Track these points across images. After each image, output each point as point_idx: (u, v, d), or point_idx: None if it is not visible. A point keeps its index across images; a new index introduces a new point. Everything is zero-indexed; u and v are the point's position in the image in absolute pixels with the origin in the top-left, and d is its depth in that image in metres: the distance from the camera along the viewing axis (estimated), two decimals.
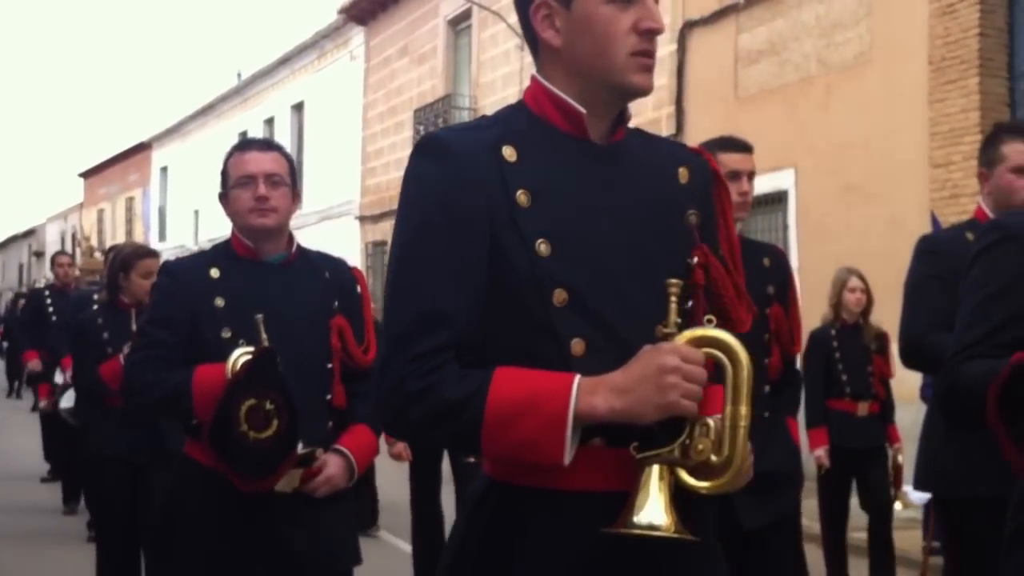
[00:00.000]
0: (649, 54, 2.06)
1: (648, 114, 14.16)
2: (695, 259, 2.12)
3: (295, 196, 3.64)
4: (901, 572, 7.47)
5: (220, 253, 3.65)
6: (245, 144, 3.67)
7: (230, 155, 3.61)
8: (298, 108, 28.30)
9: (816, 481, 7.27)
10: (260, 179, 3.51)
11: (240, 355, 3.39)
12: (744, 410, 1.97)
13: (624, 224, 2.09)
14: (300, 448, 3.39)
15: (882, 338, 7.30)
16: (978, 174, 4.18)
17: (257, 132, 30.65)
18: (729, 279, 2.17)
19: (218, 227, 32.43)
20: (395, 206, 2.13)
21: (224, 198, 3.63)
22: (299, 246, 3.70)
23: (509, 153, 2.05)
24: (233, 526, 3.42)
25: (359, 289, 3.75)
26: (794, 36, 12.63)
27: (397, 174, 20.32)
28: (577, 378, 1.94)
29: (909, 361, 4.39)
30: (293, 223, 3.73)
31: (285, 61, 28.82)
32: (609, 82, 2.06)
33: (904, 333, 4.20)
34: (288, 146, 28.22)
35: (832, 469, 7.14)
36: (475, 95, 19.79)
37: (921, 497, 6.59)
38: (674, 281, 2.00)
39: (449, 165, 2.03)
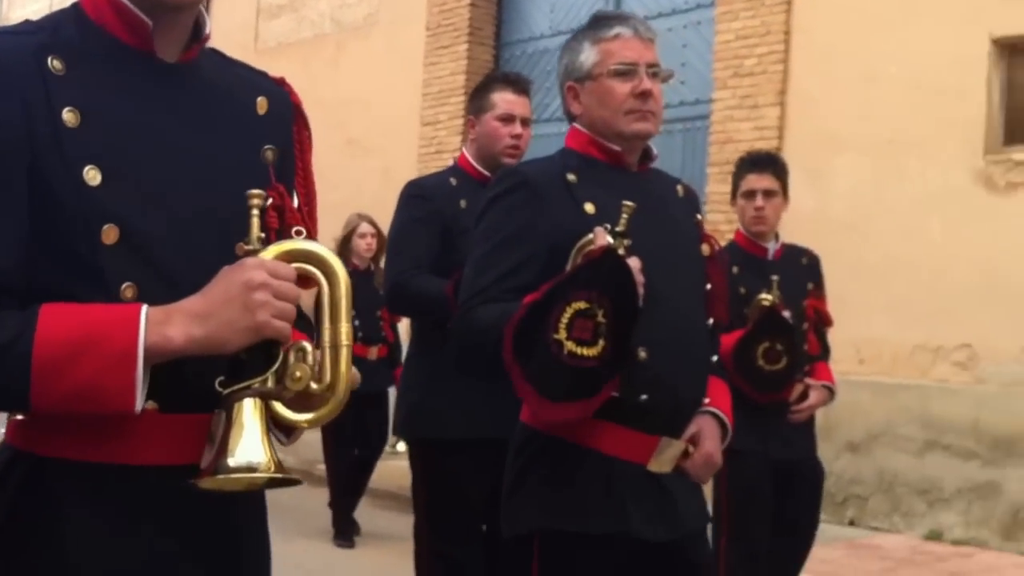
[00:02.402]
0: None
1: None
2: (270, 200, 1.70)
3: None
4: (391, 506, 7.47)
5: None
6: None
7: None
8: None
9: None
10: None
11: None
12: (345, 327, 1.62)
13: (190, 154, 1.67)
14: None
15: None
16: (466, 121, 4.05)
17: None
18: (305, 226, 1.77)
19: None
20: None
21: None
22: None
23: (57, 65, 1.58)
24: None
25: None
26: None
27: None
28: (145, 307, 1.53)
29: (394, 305, 4.18)
30: None
31: None
32: None
33: (390, 277, 3.96)
34: None
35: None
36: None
37: None
38: (256, 192, 1.61)
39: None
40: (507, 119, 3.88)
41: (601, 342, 2.34)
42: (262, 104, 1.80)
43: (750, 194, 4.35)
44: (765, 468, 4.27)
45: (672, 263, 2.61)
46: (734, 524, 4.23)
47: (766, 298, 4.18)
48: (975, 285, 7.15)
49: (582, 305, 2.33)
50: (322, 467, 7.69)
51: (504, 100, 3.89)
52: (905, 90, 7.52)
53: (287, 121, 1.85)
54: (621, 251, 2.41)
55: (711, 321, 2.76)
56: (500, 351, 2.35)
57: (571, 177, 2.60)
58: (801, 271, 4.46)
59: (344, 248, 7.08)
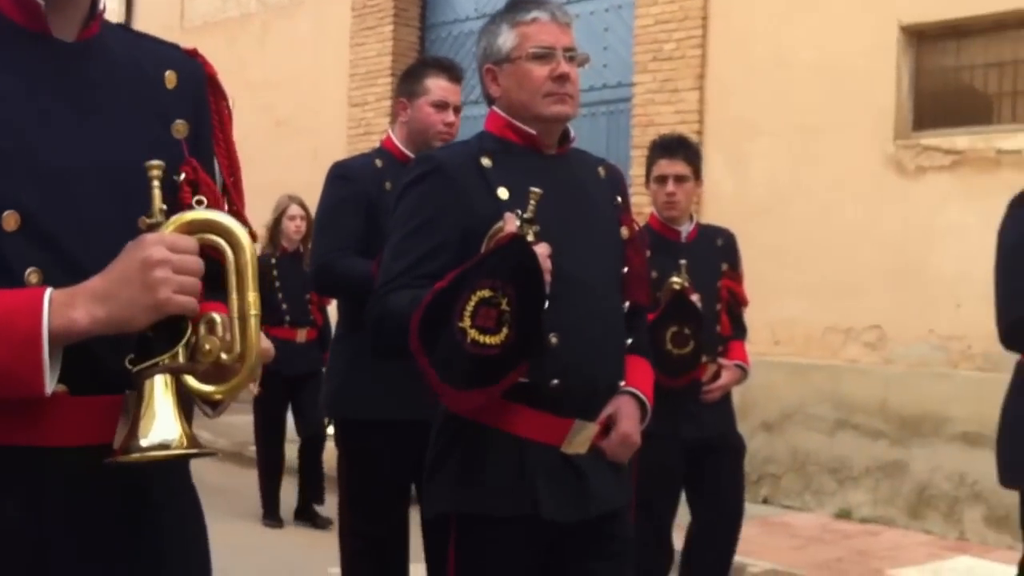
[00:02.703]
0: None
1: None
2: (183, 176, 1.68)
3: None
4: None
5: None
6: None
7: None
8: None
9: (252, 403, 7.12)
10: None
11: None
12: (253, 296, 1.58)
13: (92, 134, 1.62)
14: None
15: None
16: (397, 103, 4.02)
17: None
18: (223, 198, 1.76)
19: None
20: None
21: None
22: None
23: None
24: None
25: None
26: None
27: None
28: (48, 291, 1.49)
29: (320, 285, 4.17)
30: None
31: None
32: None
33: (315, 257, 3.96)
34: None
35: (270, 392, 6.88)
36: None
37: None
38: (155, 163, 1.57)
39: None
40: (441, 106, 3.88)
41: (505, 330, 2.34)
42: (171, 78, 1.75)
43: (662, 179, 4.38)
44: (675, 449, 4.30)
45: (585, 247, 2.62)
46: (640, 504, 4.29)
47: (676, 282, 4.21)
48: (885, 267, 7.27)
49: (486, 293, 2.33)
50: (254, 448, 7.67)
51: (439, 87, 3.88)
52: (819, 76, 7.62)
53: (200, 93, 1.81)
54: (530, 237, 2.41)
55: (627, 304, 2.76)
56: (408, 337, 2.36)
57: (485, 162, 2.60)
58: (715, 252, 4.49)
59: (274, 230, 7.02)
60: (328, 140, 10.73)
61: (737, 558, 5.95)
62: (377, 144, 4.14)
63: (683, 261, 4.23)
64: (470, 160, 2.61)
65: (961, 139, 7.05)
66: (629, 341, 2.77)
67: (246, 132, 13.08)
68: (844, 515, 7.40)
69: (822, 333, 7.62)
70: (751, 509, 7.14)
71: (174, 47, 1.83)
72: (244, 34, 12.08)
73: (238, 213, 1.80)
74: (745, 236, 4.69)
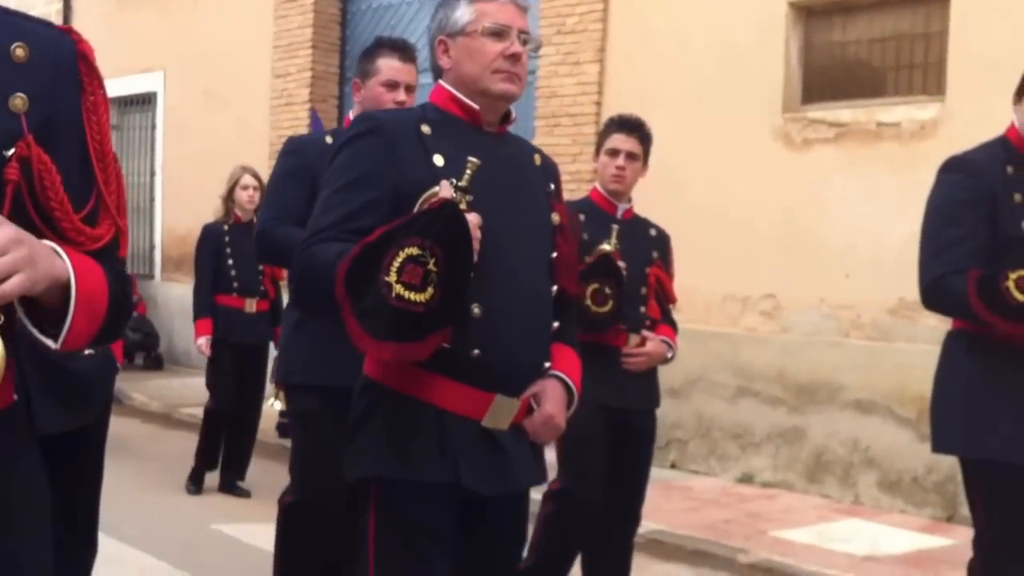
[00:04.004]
0: None
1: (40, 8, 13.12)
2: (12, 151, 1.58)
3: None
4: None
5: None
6: None
7: None
8: None
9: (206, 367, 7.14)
10: None
11: None
12: None
13: None
14: None
15: None
16: (353, 83, 4.06)
17: None
18: (57, 177, 1.62)
19: None
20: None
21: None
22: None
23: None
24: None
25: None
26: None
27: None
28: None
29: (260, 253, 4.28)
30: None
31: None
32: None
33: (257, 227, 4.09)
34: None
35: (221, 359, 6.89)
36: None
37: None
38: None
39: None
40: (391, 85, 3.93)
41: (430, 290, 2.33)
42: (20, 52, 1.64)
43: (614, 152, 4.37)
44: (597, 415, 4.24)
45: (516, 226, 2.62)
46: (565, 471, 4.30)
47: (606, 246, 4.22)
48: (776, 237, 7.28)
49: (414, 251, 2.31)
50: (184, 411, 7.67)
51: (389, 67, 3.93)
52: (713, 50, 7.58)
53: (64, 72, 1.70)
54: (463, 206, 2.41)
55: (555, 289, 2.74)
56: (333, 287, 2.35)
57: (425, 129, 2.60)
58: (647, 238, 4.49)
59: (228, 199, 7.02)
60: (252, 111, 10.68)
61: None
62: (301, 114, 4.16)
63: (615, 226, 4.24)
64: (410, 125, 2.61)
65: (845, 112, 7.04)
66: (556, 325, 2.75)
67: (177, 102, 13.06)
68: (746, 480, 7.46)
69: (721, 301, 7.64)
70: (658, 473, 7.21)
71: (41, 23, 1.74)
72: (176, 5, 11.94)
73: (103, 197, 1.72)
74: (644, 206, 4.64)
